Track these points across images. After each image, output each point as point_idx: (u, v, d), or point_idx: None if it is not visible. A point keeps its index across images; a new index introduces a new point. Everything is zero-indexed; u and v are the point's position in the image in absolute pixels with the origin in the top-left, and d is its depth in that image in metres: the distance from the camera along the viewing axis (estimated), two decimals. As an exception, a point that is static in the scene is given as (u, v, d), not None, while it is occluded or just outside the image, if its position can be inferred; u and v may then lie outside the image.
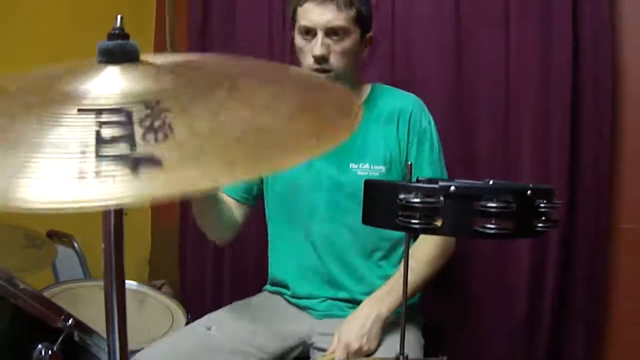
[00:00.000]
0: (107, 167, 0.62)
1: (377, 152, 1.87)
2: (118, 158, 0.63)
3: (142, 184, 0.60)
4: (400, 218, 0.89)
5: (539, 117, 2.09)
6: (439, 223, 0.89)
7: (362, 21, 1.83)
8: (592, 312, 2.09)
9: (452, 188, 0.88)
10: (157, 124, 0.68)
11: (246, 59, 0.96)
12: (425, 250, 1.83)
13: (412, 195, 0.88)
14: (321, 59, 1.78)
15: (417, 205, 0.88)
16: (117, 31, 0.88)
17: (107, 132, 0.67)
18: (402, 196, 0.89)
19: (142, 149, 0.64)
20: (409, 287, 1.71)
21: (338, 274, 1.90)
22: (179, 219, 3.02)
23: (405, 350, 1.14)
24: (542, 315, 2.11)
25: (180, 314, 2.17)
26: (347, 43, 1.80)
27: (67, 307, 1.52)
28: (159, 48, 3.32)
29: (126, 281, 2.28)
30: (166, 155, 0.63)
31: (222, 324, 1.84)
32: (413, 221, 0.88)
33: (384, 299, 1.76)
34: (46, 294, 2.13)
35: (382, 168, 1.86)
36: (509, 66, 2.14)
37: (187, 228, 2.96)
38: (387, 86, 2.02)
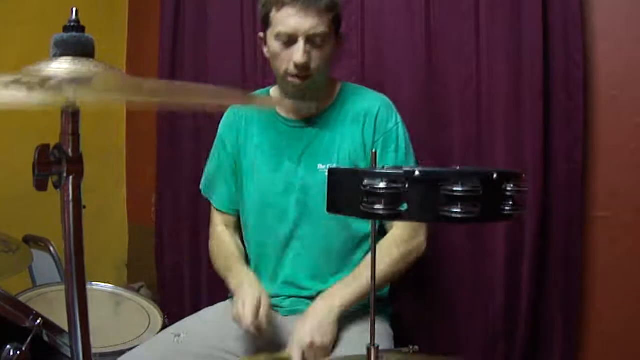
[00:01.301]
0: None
1: (342, 151, 1.86)
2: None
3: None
4: (365, 204, 0.88)
5: (511, 109, 2.09)
6: (403, 208, 0.88)
7: (337, 23, 1.81)
8: (570, 300, 2.10)
9: (417, 173, 0.87)
10: (78, 81, 0.75)
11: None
12: (387, 253, 1.81)
13: (376, 181, 0.87)
14: (302, 67, 1.75)
15: (381, 191, 0.87)
16: (72, 23, 0.87)
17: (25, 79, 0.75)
18: (366, 182, 0.88)
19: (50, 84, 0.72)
20: (364, 287, 1.76)
21: (298, 276, 1.91)
22: (154, 220, 3.00)
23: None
24: (520, 306, 2.11)
25: (157, 315, 2.17)
26: (327, 48, 1.78)
27: (42, 311, 1.52)
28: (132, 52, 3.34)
29: (102, 284, 2.30)
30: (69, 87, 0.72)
31: (191, 330, 1.84)
32: (377, 207, 0.87)
33: (335, 294, 1.76)
34: (22, 298, 2.13)
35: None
36: (480, 58, 2.14)
37: (162, 230, 2.95)
38: (357, 85, 2.01)
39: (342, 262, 1.89)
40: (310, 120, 1.90)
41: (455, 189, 0.87)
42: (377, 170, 0.90)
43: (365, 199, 0.89)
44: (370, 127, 1.87)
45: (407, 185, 0.87)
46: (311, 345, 1.64)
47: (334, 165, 1.84)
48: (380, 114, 1.88)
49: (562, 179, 2.08)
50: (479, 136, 2.17)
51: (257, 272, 1.94)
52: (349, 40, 2.28)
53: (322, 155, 1.87)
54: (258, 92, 2.06)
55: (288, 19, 1.73)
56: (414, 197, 0.88)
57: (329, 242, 1.89)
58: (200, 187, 2.12)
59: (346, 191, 0.93)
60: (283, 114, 1.93)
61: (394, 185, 0.87)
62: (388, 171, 0.89)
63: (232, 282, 1.87)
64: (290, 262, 1.92)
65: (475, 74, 2.16)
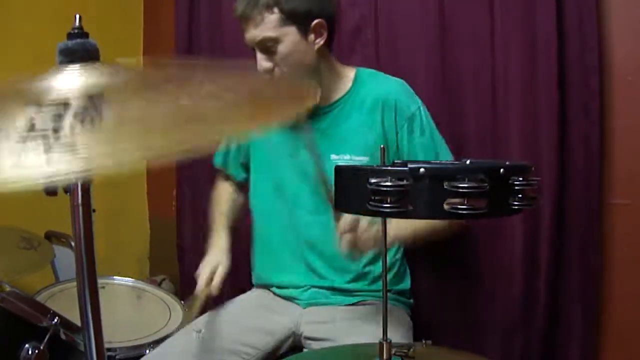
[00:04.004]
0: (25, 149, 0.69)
1: (358, 142, 1.85)
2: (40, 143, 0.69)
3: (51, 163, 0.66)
4: (372, 203, 0.89)
5: (526, 96, 2.07)
6: (410, 206, 0.88)
7: (295, 17, 1.76)
8: (589, 288, 2.08)
9: (422, 170, 0.87)
10: (90, 113, 0.72)
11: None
12: None
13: (382, 179, 0.87)
14: (268, 72, 1.75)
15: (387, 189, 0.87)
16: (76, 30, 0.88)
17: (39, 123, 0.72)
18: (372, 180, 0.88)
19: (64, 139, 0.70)
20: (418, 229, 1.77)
21: (318, 264, 1.91)
22: (175, 213, 3.02)
23: (392, 333, 1.13)
24: (538, 294, 2.09)
25: (177, 308, 2.19)
26: (283, 48, 1.75)
27: (65, 306, 1.54)
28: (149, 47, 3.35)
29: (123, 278, 2.33)
30: (84, 141, 0.69)
31: (212, 325, 1.85)
32: (384, 205, 0.88)
33: (404, 226, 1.76)
34: (45, 294, 2.15)
35: (364, 159, 1.83)
36: (494, 45, 2.12)
37: (183, 223, 2.97)
38: (372, 71, 1.98)
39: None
40: (324, 108, 1.89)
41: (461, 185, 0.87)
42: (382, 168, 0.90)
43: (372, 197, 0.89)
44: (391, 114, 1.85)
45: (413, 182, 0.87)
46: (360, 227, 1.56)
47: (347, 156, 1.85)
48: (400, 100, 1.86)
49: (578, 166, 2.05)
50: (494, 124, 2.15)
51: (269, 258, 1.99)
52: (362, 33, 2.28)
53: (335, 145, 1.86)
54: None
55: (243, 34, 1.78)
56: (421, 194, 0.88)
57: None
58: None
59: (353, 189, 0.94)
60: None
61: (400, 183, 0.87)
62: (392, 168, 0.89)
63: (210, 241, 2.01)
64: (307, 251, 1.92)
65: (489, 62, 2.14)
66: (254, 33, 1.74)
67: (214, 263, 1.88)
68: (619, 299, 2.09)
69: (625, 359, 2.11)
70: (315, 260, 1.91)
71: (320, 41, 1.83)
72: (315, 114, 1.89)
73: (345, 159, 1.84)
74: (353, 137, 1.85)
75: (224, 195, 2.17)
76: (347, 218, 1.58)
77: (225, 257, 1.92)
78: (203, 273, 1.86)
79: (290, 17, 1.74)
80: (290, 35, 1.76)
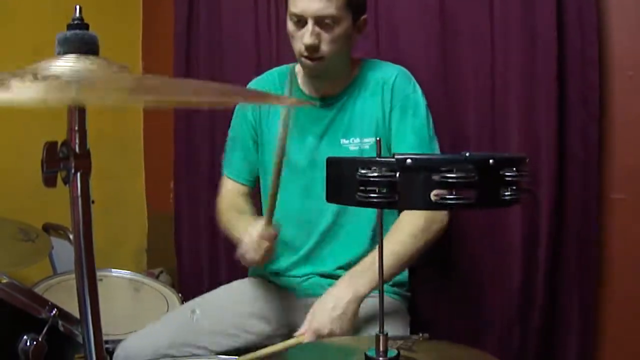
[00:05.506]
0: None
1: (364, 124, 1.87)
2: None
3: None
4: (360, 193, 0.90)
5: (526, 90, 2.07)
6: (398, 196, 0.89)
7: (354, 6, 1.79)
8: (587, 284, 2.08)
9: (409, 161, 0.88)
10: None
11: None
12: (411, 223, 1.77)
13: (370, 170, 0.88)
14: (311, 48, 1.76)
15: (374, 179, 0.88)
16: (76, 21, 0.89)
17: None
18: (360, 171, 0.89)
19: None
20: (395, 261, 1.73)
21: (324, 252, 1.92)
22: (173, 206, 3.03)
23: (390, 328, 1.14)
24: (536, 290, 2.10)
25: (175, 301, 2.20)
26: (338, 30, 1.77)
27: (62, 298, 1.55)
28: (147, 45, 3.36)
29: (121, 271, 2.33)
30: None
31: (206, 307, 1.87)
32: (372, 195, 0.89)
33: (360, 276, 1.70)
34: (43, 286, 2.16)
35: (373, 140, 1.85)
36: (494, 39, 2.12)
37: (181, 216, 2.98)
38: (376, 60, 2.01)
39: (363, 241, 1.89)
40: (333, 98, 1.92)
41: (448, 175, 0.88)
42: (369, 159, 0.91)
43: (360, 188, 0.90)
44: (388, 95, 1.87)
45: (400, 173, 0.88)
46: (330, 335, 1.61)
47: (357, 139, 1.87)
48: (397, 82, 1.88)
49: (577, 161, 2.05)
50: (493, 118, 2.15)
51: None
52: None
53: (344, 131, 1.89)
54: (282, 67, 2.07)
55: (297, 0, 1.74)
56: (408, 184, 0.88)
57: (355, 218, 1.89)
58: (222, 162, 2.14)
59: (343, 180, 0.94)
60: (306, 91, 1.95)
61: (387, 173, 0.88)
62: (380, 159, 0.90)
63: (240, 230, 1.83)
64: (316, 239, 1.93)
65: (489, 55, 2.14)
66: (323, 5, 1.72)
67: (256, 229, 1.70)
68: (616, 294, 2.09)
69: (622, 354, 2.11)
70: (319, 250, 1.93)
71: (359, 37, 1.90)
72: (325, 104, 1.92)
73: (355, 143, 1.86)
74: (360, 120, 1.88)
75: (242, 204, 2.04)
76: (309, 323, 1.64)
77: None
78: (249, 239, 1.71)
79: (351, 5, 1.78)
80: (346, 21, 1.78)
